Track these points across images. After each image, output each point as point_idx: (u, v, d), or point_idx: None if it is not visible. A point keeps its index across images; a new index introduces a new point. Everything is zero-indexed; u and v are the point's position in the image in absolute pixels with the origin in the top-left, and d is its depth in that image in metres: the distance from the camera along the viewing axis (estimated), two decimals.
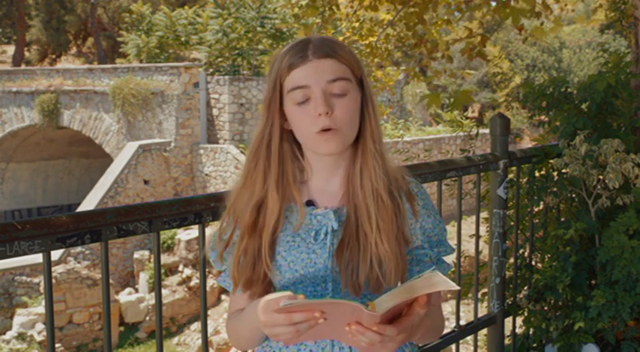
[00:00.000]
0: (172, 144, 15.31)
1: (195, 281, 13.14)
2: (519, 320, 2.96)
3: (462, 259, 2.85)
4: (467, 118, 3.50)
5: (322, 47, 1.19)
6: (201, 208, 1.69)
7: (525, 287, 2.97)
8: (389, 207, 1.22)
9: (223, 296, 13.14)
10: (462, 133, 3.45)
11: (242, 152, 14.96)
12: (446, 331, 2.59)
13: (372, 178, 1.23)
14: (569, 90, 3.08)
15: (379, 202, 1.22)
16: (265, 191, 1.24)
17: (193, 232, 13.37)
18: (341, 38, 6.16)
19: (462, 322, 2.65)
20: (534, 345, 2.96)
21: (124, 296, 12.78)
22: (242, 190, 1.27)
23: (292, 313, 1.05)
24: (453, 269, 1.40)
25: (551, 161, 2.91)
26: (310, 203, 1.28)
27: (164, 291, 12.51)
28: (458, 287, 1.07)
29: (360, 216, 1.23)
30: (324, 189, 1.29)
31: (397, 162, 1.33)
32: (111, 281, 13.28)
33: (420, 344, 1.82)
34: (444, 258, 1.35)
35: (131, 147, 14.90)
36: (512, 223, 2.93)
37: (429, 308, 1.10)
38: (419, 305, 1.09)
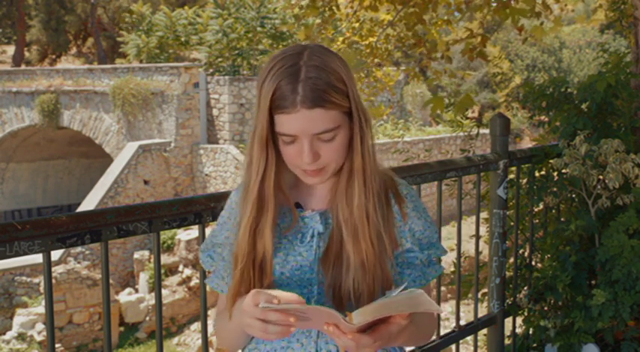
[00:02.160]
0: (172, 145, 15.31)
1: (195, 282, 13.13)
2: (519, 320, 2.96)
3: (462, 259, 2.85)
4: (467, 118, 3.50)
5: (311, 93, 1.13)
6: (201, 208, 1.69)
7: (525, 287, 2.97)
8: (368, 241, 1.20)
9: None
10: (462, 133, 3.45)
11: (242, 152, 14.97)
12: (446, 331, 2.60)
13: (356, 214, 1.21)
14: (569, 90, 3.08)
15: (360, 237, 1.21)
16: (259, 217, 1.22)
17: (193, 232, 13.36)
18: (341, 38, 6.17)
19: (462, 322, 2.65)
20: (534, 345, 2.96)
21: (124, 297, 12.77)
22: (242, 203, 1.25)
23: (268, 311, 1.06)
24: (444, 269, 1.38)
25: (551, 161, 2.91)
26: (297, 205, 1.28)
27: (164, 291, 12.51)
28: (441, 310, 1.07)
29: (341, 224, 1.23)
30: (312, 192, 1.29)
31: (396, 163, 1.32)
32: (111, 281, 13.28)
33: (406, 349, 1.81)
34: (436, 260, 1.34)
35: (131, 147, 14.90)
36: (512, 223, 2.93)
37: (410, 319, 1.10)
38: (401, 316, 1.09)
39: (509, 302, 2.87)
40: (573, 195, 2.94)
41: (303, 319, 1.09)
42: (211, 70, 19.13)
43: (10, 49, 32.94)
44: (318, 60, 1.16)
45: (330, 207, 1.26)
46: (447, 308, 10.43)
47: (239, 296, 1.21)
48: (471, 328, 2.70)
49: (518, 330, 3.03)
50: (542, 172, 3.01)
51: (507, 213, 2.79)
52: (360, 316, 1.06)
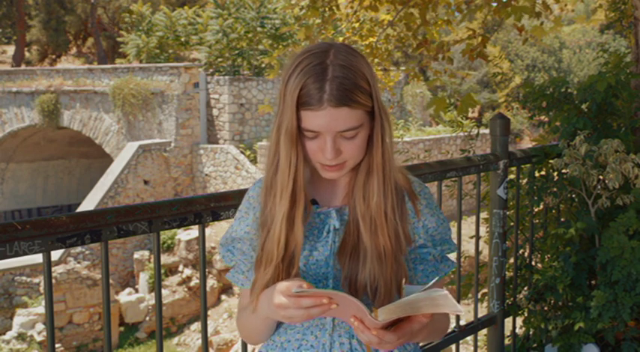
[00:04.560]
0: (172, 145, 15.31)
1: (195, 282, 13.14)
2: (519, 321, 2.96)
3: (462, 259, 2.85)
4: (467, 118, 3.50)
5: (339, 91, 1.14)
6: (201, 208, 1.69)
7: (525, 288, 2.97)
8: (386, 235, 1.23)
9: (223, 297, 13.14)
10: (462, 133, 3.45)
11: (242, 152, 14.96)
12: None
13: (374, 207, 1.23)
14: (569, 90, 3.08)
15: (379, 231, 1.23)
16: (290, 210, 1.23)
17: (193, 232, 13.36)
18: (341, 39, 6.17)
19: (462, 322, 2.65)
20: (534, 345, 2.96)
21: (124, 297, 12.77)
22: (266, 198, 1.26)
23: (301, 298, 1.10)
24: (454, 269, 1.41)
25: (551, 161, 2.91)
26: (314, 201, 1.29)
27: (164, 291, 12.51)
28: (462, 311, 1.09)
29: (359, 218, 1.25)
30: (328, 188, 1.31)
31: (397, 163, 1.33)
32: (111, 281, 13.27)
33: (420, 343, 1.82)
34: (449, 256, 1.37)
35: (131, 147, 14.90)
36: (512, 223, 2.93)
37: (432, 317, 1.13)
38: (424, 315, 1.12)
39: (510, 303, 2.87)
40: (573, 196, 2.94)
41: (330, 309, 1.11)
42: (211, 70, 19.13)
43: (10, 49, 32.94)
44: (345, 59, 1.17)
45: (346, 203, 1.28)
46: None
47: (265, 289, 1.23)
48: (471, 328, 2.70)
49: (518, 330, 3.03)
50: (542, 172, 3.01)
51: (507, 213, 2.79)
52: (386, 314, 1.09)
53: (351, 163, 1.22)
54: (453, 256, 1.47)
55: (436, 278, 1.20)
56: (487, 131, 2.85)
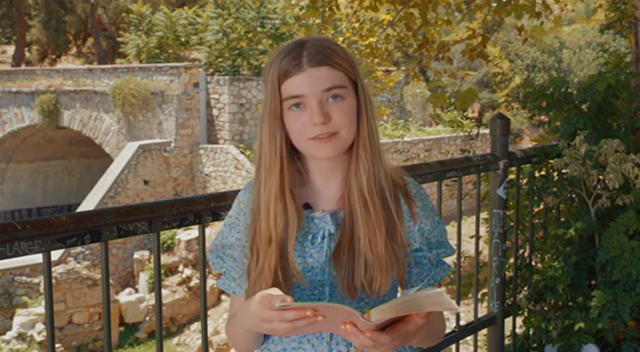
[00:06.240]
0: (172, 145, 15.31)
1: (195, 282, 13.14)
2: (519, 321, 2.96)
3: (462, 259, 2.85)
4: (467, 118, 3.50)
5: (317, 54, 1.18)
6: (201, 208, 1.69)
7: (525, 288, 2.97)
8: (380, 212, 1.21)
9: (223, 297, 13.14)
10: (462, 133, 3.45)
11: (242, 152, 14.96)
12: (446, 331, 2.60)
13: (365, 183, 1.21)
14: (569, 90, 3.08)
15: (371, 207, 1.21)
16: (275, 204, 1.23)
17: (193, 232, 13.36)
18: (341, 39, 6.17)
19: (462, 322, 2.65)
20: (534, 345, 2.96)
21: (124, 297, 12.77)
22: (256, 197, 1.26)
23: (284, 311, 1.06)
24: (454, 269, 1.39)
25: (551, 161, 2.91)
26: (307, 206, 1.27)
27: (164, 291, 12.51)
28: (459, 309, 1.07)
29: (354, 219, 1.22)
30: (321, 192, 1.29)
31: (396, 163, 1.32)
32: (111, 281, 13.27)
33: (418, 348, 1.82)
34: (445, 259, 1.34)
35: (131, 147, 14.90)
36: (512, 223, 2.93)
37: (427, 318, 1.10)
38: (418, 315, 1.09)
39: (510, 303, 2.87)
40: (573, 196, 2.94)
41: (316, 322, 1.07)
42: (211, 70, 19.12)
43: (10, 49, 32.93)
44: (320, 38, 1.23)
45: (340, 206, 1.26)
46: None
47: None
48: (471, 328, 2.70)
49: (518, 330, 3.03)
50: (542, 172, 3.01)
51: (507, 213, 2.79)
52: (379, 314, 1.05)
53: (343, 134, 1.20)
54: (451, 258, 1.45)
55: (430, 283, 1.18)
56: (487, 131, 2.85)
